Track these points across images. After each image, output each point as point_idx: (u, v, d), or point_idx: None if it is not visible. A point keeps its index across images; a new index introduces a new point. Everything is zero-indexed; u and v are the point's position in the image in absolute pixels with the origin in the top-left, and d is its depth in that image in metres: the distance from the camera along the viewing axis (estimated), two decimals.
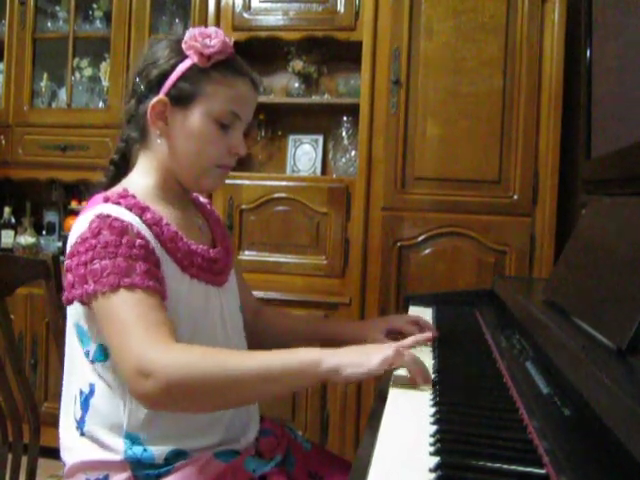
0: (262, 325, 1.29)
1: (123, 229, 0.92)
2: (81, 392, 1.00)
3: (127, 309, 0.88)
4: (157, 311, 0.89)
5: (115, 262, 0.89)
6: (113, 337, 0.88)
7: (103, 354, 0.97)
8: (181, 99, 1.01)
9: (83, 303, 0.95)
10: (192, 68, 1.01)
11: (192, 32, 1.01)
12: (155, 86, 1.02)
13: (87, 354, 0.99)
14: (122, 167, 1.10)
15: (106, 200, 0.97)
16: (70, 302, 0.96)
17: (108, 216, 0.93)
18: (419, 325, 1.23)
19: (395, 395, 0.86)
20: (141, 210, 0.97)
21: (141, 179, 1.05)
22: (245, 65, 1.06)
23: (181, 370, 0.83)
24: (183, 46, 1.01)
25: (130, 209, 0.96)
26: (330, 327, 1.33)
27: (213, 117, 1.01)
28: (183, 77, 1.01)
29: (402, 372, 0.92)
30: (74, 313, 0.99)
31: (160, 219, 0.99)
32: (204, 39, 1.00)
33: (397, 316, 1.30)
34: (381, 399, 0.85)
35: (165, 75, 1.01)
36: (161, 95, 1.01)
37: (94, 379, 0.98)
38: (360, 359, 0.86)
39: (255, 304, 1.31)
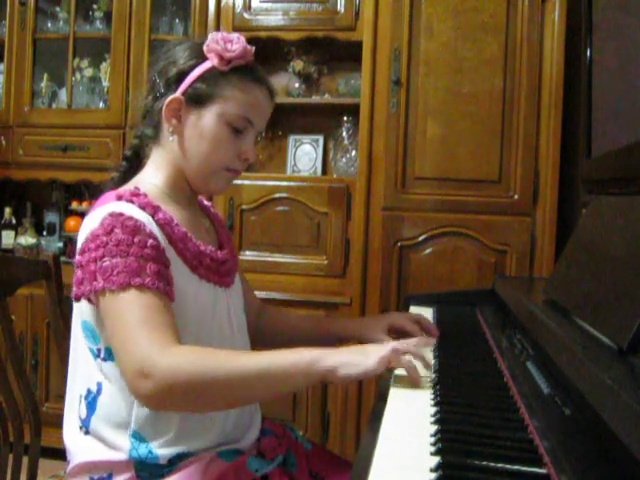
0: (265, 325, 1.30)
1: (136, 228, 0.93)
2: (89, 391, 1.00)
3: (134, 309, 0.88)
4: (164, 313, 0.90)
5: (127, 261, 0.90)
6: (117, 336, 0.89)
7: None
8: (197, 99, 1.03)
9: (90, 301, 0.95)
10: (211, 70, 1.03)
11: (214, 36, 1.03)
12: (173, 84, 1.04)
13: (95, 352, 0.99)
14: (134, 164, 1.11)
15: (119, 198, 0.98)
16: (78, 299, 0.96)
17: (121, 214, 0.94)
18: (420, 324, 1.23)
19: (396, 395, 0.86)
20: (153, 210, 0.98)
21: (152, 177, 1.06)
22: (264, 74, 1.08)
23: (181, 372, 0.84)
24: (204, 48, 1.03)
25: (143, 208, 0.97)
26: (332, 325, 1.33)
27: (227, 120, 1.03)
28: (201, 78, 1.03)
29: (403, 372, 0.92)
30: (81, 311, 0.99)
31: (171, 219, 1.00)
32: (226, 43, 1.02)
33: (399, 314, 1.29)
34: (382, 399, 0.85)
35: (183, 74, 1.03)
36: (178, 93, 1.03)
37: (102, 377, 0.99)
38: (358, 358, 0.87)
39: (258, 304, 1.32)
